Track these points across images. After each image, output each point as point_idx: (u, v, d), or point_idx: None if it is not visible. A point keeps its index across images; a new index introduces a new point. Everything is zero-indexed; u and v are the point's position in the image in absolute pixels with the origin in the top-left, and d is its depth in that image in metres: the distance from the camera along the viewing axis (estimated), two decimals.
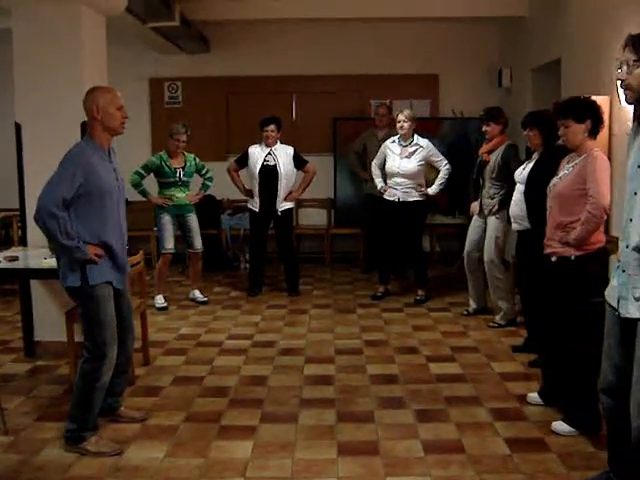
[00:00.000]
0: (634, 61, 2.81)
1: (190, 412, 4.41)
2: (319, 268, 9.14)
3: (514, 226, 5.33)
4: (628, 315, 2.89)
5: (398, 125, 6.93)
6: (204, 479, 3.55)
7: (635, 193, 2.87)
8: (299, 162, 7.48)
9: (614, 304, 3.00)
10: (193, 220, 7.19)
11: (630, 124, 3.10)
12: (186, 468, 3.66)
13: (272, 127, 7.31)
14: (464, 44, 9.44)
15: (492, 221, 6.16)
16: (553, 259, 4.04)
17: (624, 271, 2.93)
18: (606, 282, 3.18)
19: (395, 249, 7.35)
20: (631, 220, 2.89)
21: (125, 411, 4.29)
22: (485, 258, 6.21)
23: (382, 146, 7.23)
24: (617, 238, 3.07)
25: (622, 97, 2.99)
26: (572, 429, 3.98)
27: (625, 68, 2.84)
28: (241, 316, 6.81)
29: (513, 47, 8.87)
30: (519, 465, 3.64)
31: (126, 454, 3.83)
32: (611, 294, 3.05)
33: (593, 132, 3.96)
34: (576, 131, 3.94)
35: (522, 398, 4.53)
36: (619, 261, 3.00)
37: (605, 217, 3.95)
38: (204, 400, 4.63)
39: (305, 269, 8.55)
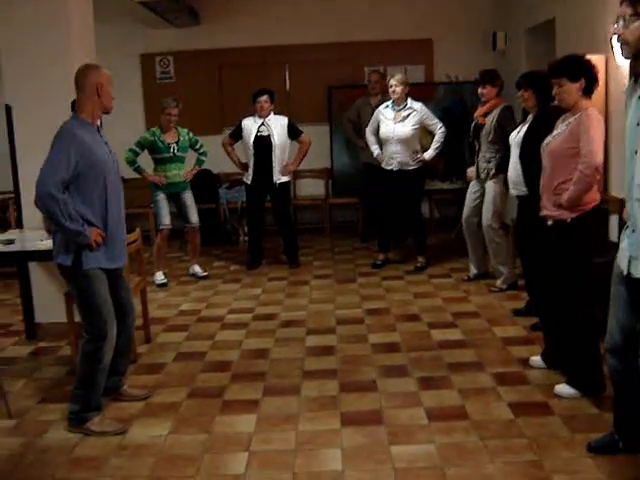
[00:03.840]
0: (630, 15, 2.76)
1: (193, 388, 4.42)
2: (318, 239, 9.12)
3: (512, 192, 5.26)
4: (638, 275, 2.86)
5: (390, 90, 6.86)
6: (208, 454, 3.56)
7: (636, 152, 2.82)
8: (294, 132, 7.42)
9: (624, 265, 2.96)
10: (188, 197, 7.16)
11: (626, 82, 3.05)
12: (190, 444, 3.67)
13: (265, 97, 7.26)
14: (458, 7, 9.32)
15: (490, 185, 6.12)
16: (549, 223, 4.01)
17: (634, 231, 2.89)
18: (604, 241, 3.15)
19: (394, 217, 7.31)
20: (633, 178, 2.85)
21: (128, 390, 4.29)
22: (484, 223, 6.18)
23: (375, 112, 7.16)
24: (617, 198, 3.03)
25: (618, 52, 2.94)
26: (575, 391, 3.97)
27: (622, 22, 2.80)
28: (241, 290, 6.80)
29: (507, 9, 8.76)
30: (523, 429, 3.64)
31: (130, 433, 3.83)
32: (620, 255, 3.02)
33: (587, 91, 3.88)
34: (570, 90, 3.86)
35: (525, 362, 4.53)
36: (626, 222, 2.95)
37: (597, 177, 3.89)
38: (206, 375, 4.63)
39: (304, 240, 8.52)
